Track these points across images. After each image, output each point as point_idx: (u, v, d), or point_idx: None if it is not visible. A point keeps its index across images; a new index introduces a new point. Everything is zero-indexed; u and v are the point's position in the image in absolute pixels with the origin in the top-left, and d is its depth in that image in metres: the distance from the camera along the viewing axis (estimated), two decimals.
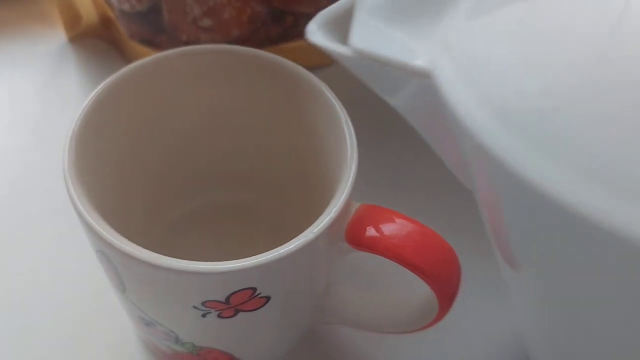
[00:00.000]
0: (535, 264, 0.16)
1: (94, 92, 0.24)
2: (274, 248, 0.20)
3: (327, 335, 0.28)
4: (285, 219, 0.29)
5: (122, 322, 0.28)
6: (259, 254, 0.20)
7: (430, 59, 0.15)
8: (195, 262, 0.20)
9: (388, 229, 0.22)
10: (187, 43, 0.32)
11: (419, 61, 0.15)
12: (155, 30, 0.33)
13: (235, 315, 0.22)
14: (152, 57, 0.25)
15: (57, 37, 0.37)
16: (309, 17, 0.33)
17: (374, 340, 0.28)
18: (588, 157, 0.12)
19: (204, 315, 0.22)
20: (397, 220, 0.22)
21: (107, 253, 0.21)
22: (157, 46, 0.33)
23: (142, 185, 0.28)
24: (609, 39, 0.13)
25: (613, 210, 0.12)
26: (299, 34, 0.34)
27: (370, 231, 0.22)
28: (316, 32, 0.18)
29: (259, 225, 0.29)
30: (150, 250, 0.20)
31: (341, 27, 0.18)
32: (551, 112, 0.13)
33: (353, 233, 0.22)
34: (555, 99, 0.13)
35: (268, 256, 0.20)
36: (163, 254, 0.20)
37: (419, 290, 0.23)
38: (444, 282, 0.21)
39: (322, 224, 0.21)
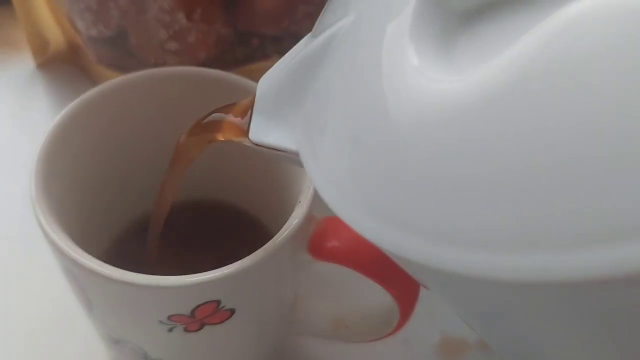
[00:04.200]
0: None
1: (59, 116, 0.24)
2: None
3: (298, 350, 0.29)
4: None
5: (93, 344, 0.28)
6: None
7: (297, 140, 0.17)
8: (158, 276, 0.20)
9: (348, 239, 0.22)
10: (154, 66, 0.32)
11: (290, 143, 0.18)
12: (123, 55, 0.34)
13: (201, 328, 0.22)
14: (116, 79, 0.26)
15: (25, 63, 0.37)
16: (275, 38, 0.34)
17: (345, 352, 0.28)
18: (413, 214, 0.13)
19: (170, 330, 0.22)
20: None
21: (72, 271, 0.21)
22: (125, 70, 0.34)
23: (115, 206, 0.28)
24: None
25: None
26: (265, 55, 0.34)
27: (331, 242, 0.22)
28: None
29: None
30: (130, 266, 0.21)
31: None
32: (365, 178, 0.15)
33: (315, 244, 0.22)
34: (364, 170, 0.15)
35: (230, 269, 0.20)
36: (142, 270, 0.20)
37: (383, 299, 0.24)
38: (402, 288, 0.22)
39: (282, 237, 0.21)
